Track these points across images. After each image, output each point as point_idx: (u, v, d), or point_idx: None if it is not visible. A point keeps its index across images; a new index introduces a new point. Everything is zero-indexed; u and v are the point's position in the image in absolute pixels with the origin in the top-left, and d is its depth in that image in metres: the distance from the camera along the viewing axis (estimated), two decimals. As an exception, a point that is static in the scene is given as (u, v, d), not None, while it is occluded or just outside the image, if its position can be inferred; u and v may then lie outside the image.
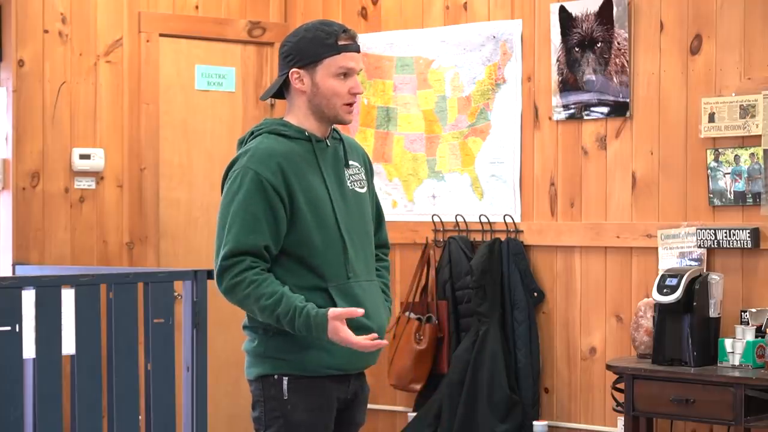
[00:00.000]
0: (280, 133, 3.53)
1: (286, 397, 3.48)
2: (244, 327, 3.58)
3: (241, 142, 3.61)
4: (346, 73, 3.53)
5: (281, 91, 3.62)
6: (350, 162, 3.64)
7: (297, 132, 3.54)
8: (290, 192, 3.45)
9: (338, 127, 3.67)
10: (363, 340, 3.39)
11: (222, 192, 3.54)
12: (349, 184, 3.60)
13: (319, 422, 3.51)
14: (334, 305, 3.46)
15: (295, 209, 3.46)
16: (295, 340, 3.47)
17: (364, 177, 3.68)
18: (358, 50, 3.56)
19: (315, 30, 3.53)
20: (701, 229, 5.32)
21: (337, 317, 3.38)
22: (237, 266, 3.42)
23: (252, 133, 3.59)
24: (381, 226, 3.81)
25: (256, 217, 3.42)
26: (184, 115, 6.44)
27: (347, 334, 3.38)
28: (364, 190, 3.66)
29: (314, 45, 3.51)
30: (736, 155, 5.26)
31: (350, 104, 3.56)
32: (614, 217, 5.68)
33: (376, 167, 6.42)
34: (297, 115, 3.57)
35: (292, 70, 3.53)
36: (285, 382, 3.49)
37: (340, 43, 3.51)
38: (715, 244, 5.28)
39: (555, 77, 5.83)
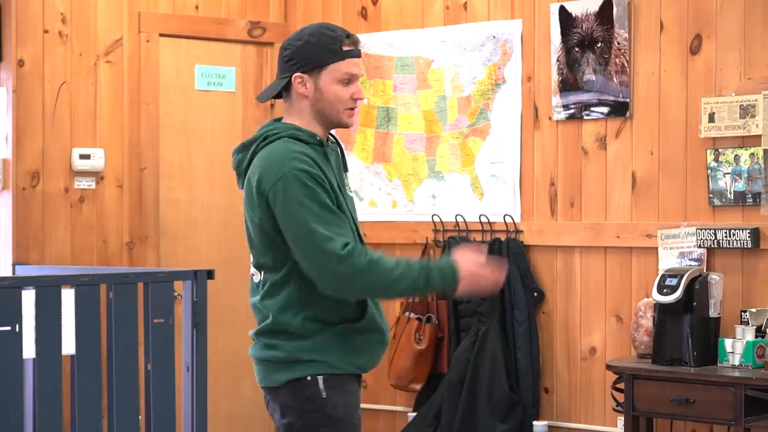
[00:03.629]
0: (298, 138, 3.47)
1: (324, 396, 3.42)
2: (260, 333, 3.48)
3: (248, 146, 3.51)
4: (350, 80, 3.50)
5: (279, 91, 3.58)
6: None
7: (310, 136, 3.49)
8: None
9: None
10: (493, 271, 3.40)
11: (275, 205, 3.37)
12: (347, 188, 3.61)
13: (355, 419, 3.49)
14: (350, 309, 3.43)
15: None
16: (319, 341, 3.42)
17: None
18: (360, 55, 3.54)
19: (319, 35, 3.48)
20: (701, 229, 5.31)
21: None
22: (356, 249, 3.33)
23: (265, 138, 3.48)
24: None
25: (331, 209, 3.36)
26: (184, 115, 6.43)
27: (475, 255, 3.38)
28: (353, 194, 3.68)
29: (319, 50, 3.47)
30: (736, 155, 5.26)
31: (352, 108, 3.54)
32: (614, 217, 5.68)
33: (377, 167, 6.43)
34: (302, 118, 3.52)
35: (295, 75, 3.49)
36: (321, 381, 3.42)
37: (345, 48, 3.47)
38: (715, 244, 5.28)
39: (555, 77, 5.83)
